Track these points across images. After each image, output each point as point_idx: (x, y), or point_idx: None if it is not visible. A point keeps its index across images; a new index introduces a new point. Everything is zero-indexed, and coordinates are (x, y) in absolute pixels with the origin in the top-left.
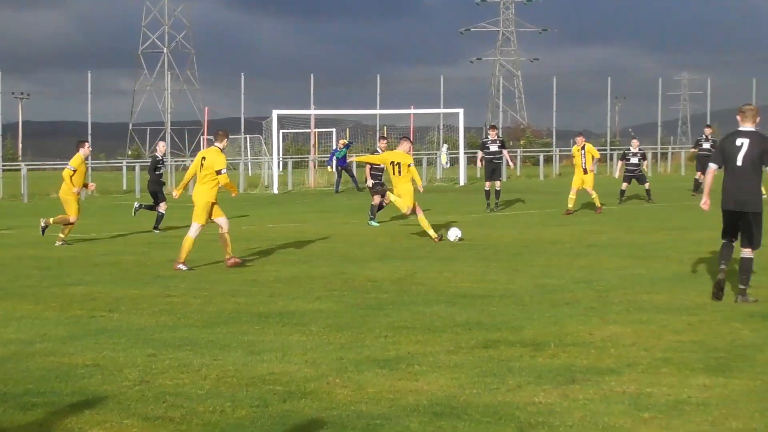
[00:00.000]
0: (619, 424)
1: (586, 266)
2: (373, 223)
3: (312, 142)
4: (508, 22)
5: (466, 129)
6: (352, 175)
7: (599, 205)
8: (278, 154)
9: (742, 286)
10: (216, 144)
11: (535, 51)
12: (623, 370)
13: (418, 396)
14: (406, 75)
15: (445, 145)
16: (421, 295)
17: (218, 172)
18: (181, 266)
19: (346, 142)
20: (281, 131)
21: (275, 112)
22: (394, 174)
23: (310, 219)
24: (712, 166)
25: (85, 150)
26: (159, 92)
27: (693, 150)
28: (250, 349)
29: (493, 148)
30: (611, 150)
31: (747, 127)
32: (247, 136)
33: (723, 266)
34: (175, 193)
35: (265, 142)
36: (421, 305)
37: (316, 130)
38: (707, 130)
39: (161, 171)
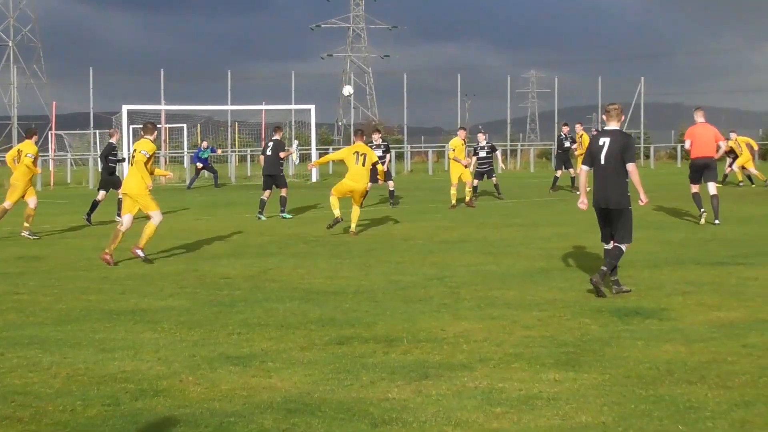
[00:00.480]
0: (472, 419)
1: (438, 263)
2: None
3: (163, 138)
4: (358, 18)
5: (317, 125)
6: (213, 171)
7: (471, 198)
8: (129, 151)
9: (612, 277)
10: (147, 136)
11: (386, 48)
12: (475, 365)
13: (272, 393)
14: (257, 71)
15: (296, 141)
16: (274, 292)
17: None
18: (139, 252)
19: (209, 145)
20: (131, 127)
21: (125, 107)
22: (356, 164)
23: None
24: (584, 168)
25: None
26: (4, 86)
27: (559, 151)
28: (101, 347)
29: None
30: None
31: (612, 125)
32: (97, 131)
33: (604, 268)
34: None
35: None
36: (275, 302)
37: (167, 125)
38: (565, 129)
39: (116, 159)
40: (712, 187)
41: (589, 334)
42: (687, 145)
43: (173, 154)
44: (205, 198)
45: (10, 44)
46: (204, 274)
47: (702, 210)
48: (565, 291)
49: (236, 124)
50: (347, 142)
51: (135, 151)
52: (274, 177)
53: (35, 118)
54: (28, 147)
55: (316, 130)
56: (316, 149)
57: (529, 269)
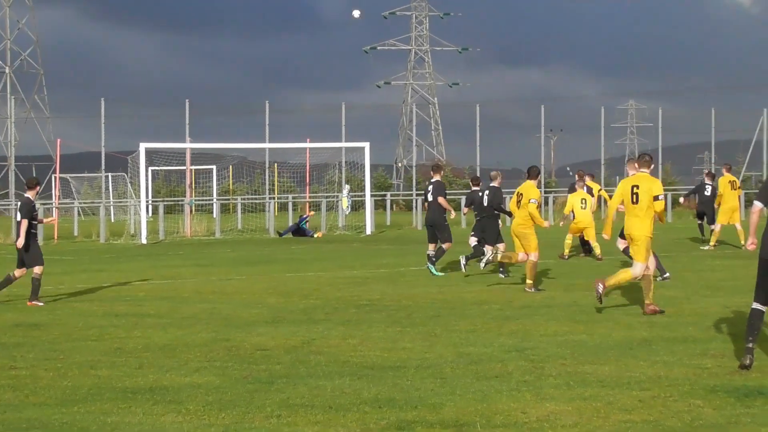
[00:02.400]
0: None
1: (518, 332)
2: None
3: (188, 182)
4: (421, 39)
5: (372, 167)
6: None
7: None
8: (147, 196)
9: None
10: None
11: (455, 74)
12: None
13: None
14: (300, 102)
15: (347, 186)
16: (320, 367)
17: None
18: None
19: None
20: (150, 168)
21: (143, 146)
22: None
23: (187, 274)
24: (758, 204)
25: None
26: (0, 121)
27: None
28: None
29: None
30: (546, 192)
31: None
32: (110, 174)
33: (750, 344)
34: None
35: (130, 182)
36: (321, 378)
37: (193, 167)
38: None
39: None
40: None
41: (701, 419)
42: None
43: (200, 202)
44: (238, 254)
45: (7, 71)
46: (236, 344)
47: None
48: (672, 366)
49: (275, 165)
50: (408, 187)
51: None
52: (435, 227)
53: (36, 159)
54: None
55: (371, 172)
56: (371, 195)
57: (627, 340)
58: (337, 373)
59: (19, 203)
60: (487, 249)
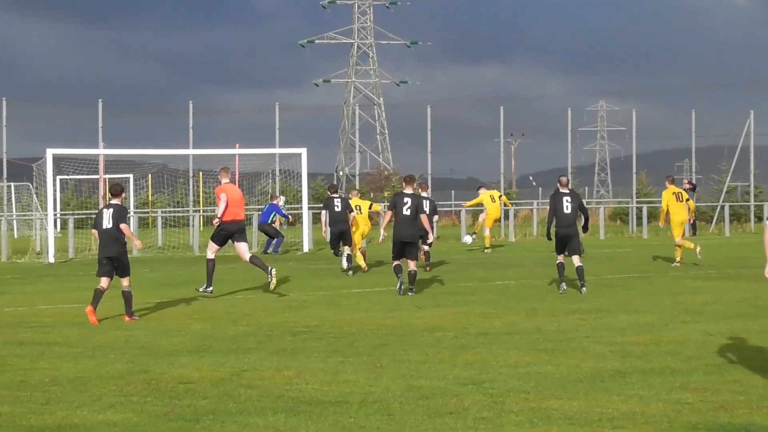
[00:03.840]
0: None
1: (475, 362)
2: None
3: (101, 193)
4: (365, 32)
5: (310, 175)
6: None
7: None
8: (55, 209)
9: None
10: None
11: (403, 71)
12: None
13: None
14: (228, 102)
15: (282, 197)
16: (252, 402)
17: None
18: None
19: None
20: (59, 177)
21: (50, 152)
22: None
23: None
24: None
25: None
26: None
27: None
28: None
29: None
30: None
31: None
32: (12, 183)
33: None
34: None
35: (36, 193)
36: (253, 415)
37: (107, 176)
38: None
39: None
40: None
41: None
42: None
43: None
44: (158, 274)
45: None
46: (156, 377)
47: None
48: (648, 401)
49: (200, 173)
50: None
51: None
52: (412, 244)
53: None
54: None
55: (308, 181)
56: (309, 208)
57: (598, 371)
58: (270, 408)
59: (114, 210)
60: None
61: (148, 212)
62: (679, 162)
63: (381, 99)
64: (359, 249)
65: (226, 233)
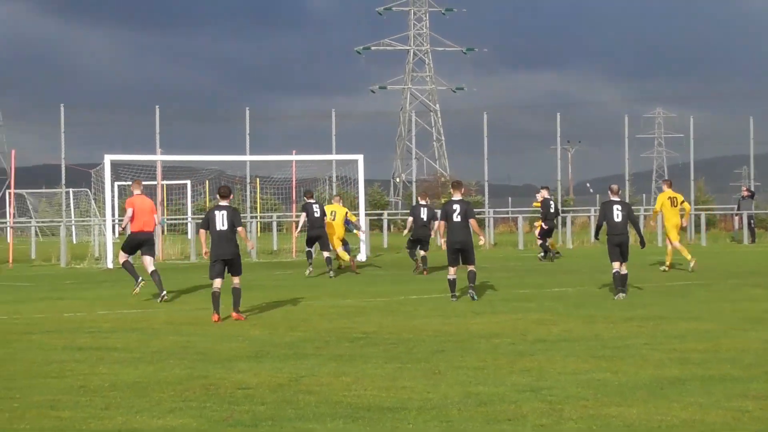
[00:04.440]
0: None
1: (532, 369)
2: None
3: (159, 198)
4: (421, 38)
5: (367, 182)
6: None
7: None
8: (113, 215)
9: None
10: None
11: (459, 77)
12: None
13: None
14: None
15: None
16: (310, 408)
17: None
18: None
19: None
20: (117, 183)
21: (108, 158)
22: None
23: (158, 303)
24: None
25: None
26: None
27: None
28: None
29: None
30: (564, 211)
31: None
32: (71, 189)
33: None
34: None
35: (94, 198)
36: (311, 421)
37: (165, 182)
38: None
39: None
40: None
41: None
42: None
43: (173, 221)
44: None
45: None
46: (215, 382)
47: None
48: (708, 409)
49: (257, 179)
50: (407, 205)
51: None
52: (466, 250)
53: None
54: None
55: (365, 188)
56: (366, 214)
57: (657, 379)
58: (328, 414)
59: (227, 211)
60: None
61: None
62: (737, 169)
63: (437, 105)
64: (339, 249)
65: (135, 243)
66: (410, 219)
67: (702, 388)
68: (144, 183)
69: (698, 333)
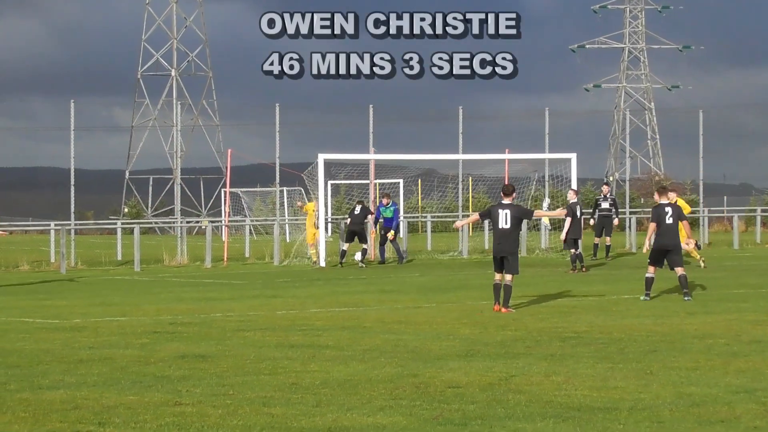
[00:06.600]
0: None
1: (747, 370)
2: None
3: (371, 197)
4: (636, 36)
5: (580, 181)
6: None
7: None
8: (326, 214)
9: None
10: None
11: (675, 76)
12: None
13: None
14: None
15: (547, 200)
16: (520, 407)
17: None
18: None
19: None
20: (330, 182)
21: (321, 157)
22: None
23: (369, 302)
24: None
25: None
26: (165, 129)
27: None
28: None
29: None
30: None
31: None
32: (285, 189)
33: None
34: None
35: (307, 198)
36: (521, 420)
37: (377, 181)
38: (605, 189)
39: None
40: None
41: None
42: None
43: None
44: (428, 279)
45: (173, 73)
46: (425, 381)
47: None
48: None
49: (469, 178)
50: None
51: None
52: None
53: (204, 171)
54: None
55: (578, 187)
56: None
57: None
58: (538, 414)
59: (510, 209)
60: None
61: (417, 217)
62: None
63: (652, 104)
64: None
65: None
66: (569, 219)
67: None
68: (356, 182)
69: None
